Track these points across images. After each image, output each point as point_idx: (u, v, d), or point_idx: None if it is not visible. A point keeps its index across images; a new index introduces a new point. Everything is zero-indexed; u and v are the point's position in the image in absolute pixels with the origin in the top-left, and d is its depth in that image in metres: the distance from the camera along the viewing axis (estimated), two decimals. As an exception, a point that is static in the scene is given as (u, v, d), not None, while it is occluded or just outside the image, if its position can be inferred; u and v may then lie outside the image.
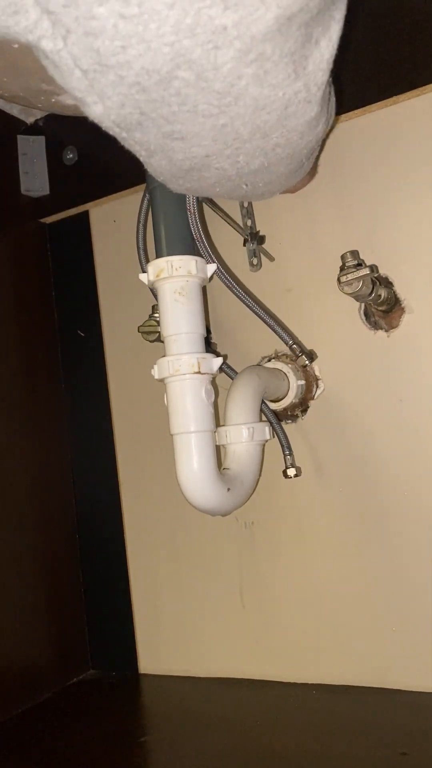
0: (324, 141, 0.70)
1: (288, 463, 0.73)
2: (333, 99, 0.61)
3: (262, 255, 0.77)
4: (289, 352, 0.77)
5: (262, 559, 0.80)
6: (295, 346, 0.71)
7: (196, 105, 0.44)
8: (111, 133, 0.48)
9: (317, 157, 0.71)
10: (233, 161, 0.52)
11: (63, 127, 0.90)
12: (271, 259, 0.78)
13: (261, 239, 0.77)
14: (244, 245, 0.77)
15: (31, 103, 0.69)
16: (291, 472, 0.73)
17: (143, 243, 0.79)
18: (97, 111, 0.45)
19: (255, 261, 0.76)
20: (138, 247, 0.78)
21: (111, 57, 0.39)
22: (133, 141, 0.49)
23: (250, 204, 0.77)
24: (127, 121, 0.46)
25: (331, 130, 0.72)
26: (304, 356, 0.70)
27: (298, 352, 0.70)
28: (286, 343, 0.71)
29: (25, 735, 0.74)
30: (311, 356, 0.71)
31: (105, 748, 0.69)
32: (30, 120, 0.93)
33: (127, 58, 0.39)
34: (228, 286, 0.68)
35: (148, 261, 0.78)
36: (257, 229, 0.77)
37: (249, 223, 0.77)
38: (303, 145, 0.55)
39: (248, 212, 0.77)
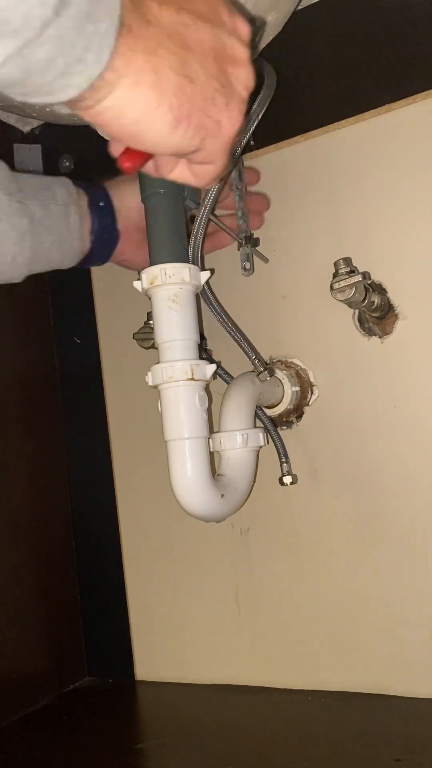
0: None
1: (284, 471, 0.73)
2: None
3: (255, 258, 0.77)
4: (284, 358, 0.78)
5: (257, 566, 0.80)
6: (257, 361, 0.71)
7: None
8: None
9: None
10: None
11: (59, 136, 0.90)
12: (265, 260, 0.78)
13: (255, 242, 0.77)
14: (239, 249, 0.77)
15: (26, 112, 0.70)
16: (287, 480, 0.73)
17: None
18: None
19: (248, 265, 0.76)
20: None
21: None
22: None
23: (244, 206, 0.77)
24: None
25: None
26: (266, 372, 0.70)
27: (260, 368, 0.70)
28: (249, 358, 0.71)
29: (22, 742, 0.74)
30: (272, 372, 0.71)
31: (101, 755, 0.69)
32: (26, 129, 0.93)
33: None
34: (205, 301, 0.68)
35: None
36: (251, 232, 0.77)
37: (243, 225, 0.77)
38: None
39: (243, 214, 0.77)
